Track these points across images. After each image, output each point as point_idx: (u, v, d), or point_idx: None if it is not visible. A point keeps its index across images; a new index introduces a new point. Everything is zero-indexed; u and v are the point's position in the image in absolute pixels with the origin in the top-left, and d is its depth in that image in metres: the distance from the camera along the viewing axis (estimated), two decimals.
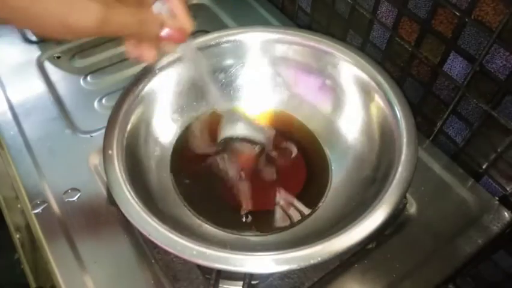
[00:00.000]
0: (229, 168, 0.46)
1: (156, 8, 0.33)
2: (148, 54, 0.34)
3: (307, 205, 0.43)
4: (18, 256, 0.50)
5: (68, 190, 0.46)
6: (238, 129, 0.44)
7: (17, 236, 0.51)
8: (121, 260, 0.42)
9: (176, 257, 0.37)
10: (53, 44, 0.62)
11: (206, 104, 0.49)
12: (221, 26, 0.64)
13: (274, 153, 0.46)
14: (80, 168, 0.48)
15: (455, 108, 0.47)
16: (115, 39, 0.63)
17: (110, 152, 0.37)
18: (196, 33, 0.64)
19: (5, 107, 0.54)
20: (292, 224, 0.41)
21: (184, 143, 0.47)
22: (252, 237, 0.41)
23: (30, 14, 0.28)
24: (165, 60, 0.45)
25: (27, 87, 0.57)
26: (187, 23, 0.34)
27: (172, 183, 0.44)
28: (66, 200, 0.45)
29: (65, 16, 0.28)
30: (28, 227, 0.45)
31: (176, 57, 0.45)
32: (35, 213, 0.45)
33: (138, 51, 0.34)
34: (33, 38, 0.63)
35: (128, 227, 0.43)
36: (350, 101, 0.46)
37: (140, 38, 0.33)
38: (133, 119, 0.41)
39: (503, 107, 0.41)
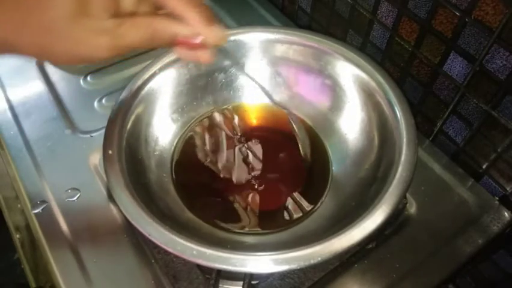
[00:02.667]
0: (229, 168, 0.46)
1: None
2: (203, 55, 0.33)
3: (307, 205, 0.43)
4: (18, 256, 0.50)
5: (68, 190, 0.46)
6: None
7: (17, 236, 0.51)
8: (121, 260, 0.42)
9: (176, 257, 0.37)
10: None
11: (206, 104, 0.49)
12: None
13: (274, 153, 0.46)
14: (80, 168, 0.48)
15: (455, 108, 0.47)
16: None
17: (110, 152, 0.37)
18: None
19: (5, 107, 0.54)
20: (292, 224, 0.41)
21: (184, 143, 0.47)
22: (252, 237, 0.41)
23: (39, 55, 0.30)
24: (165, 60, 0.45)
25: (27, 87, 0.57)
26: (217, 36, 0.32)
27: (172, 183, 0.44)
28: (66, 200, 0.45)
29: (78, 53, 0.29)
30: (28, 227, 0.45)
31: (176, 57, 0.45)
32: (35, 213, 0.45)
33: (192, 55, 0.33)
34: None
35: (128, 227, 0.43)
36: (350, 101, 0.46)
37: (156, 48, 0.32)
38: (133, 119, 0.41)
39: (503, 107, 0.41)
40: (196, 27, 0.31)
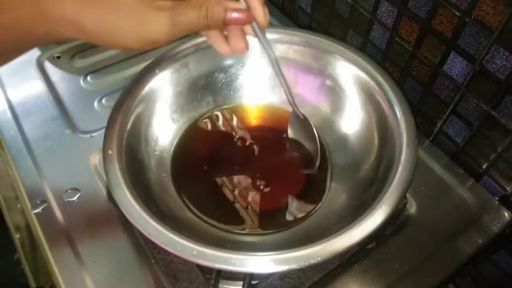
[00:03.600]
0: (229, 168, 0.46)
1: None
2: (237, 44, 0.36)
3: (307, 205, 0.43)
4: (18, 256, 0.50)
5: (68, 190, 0.46)
6: None
7: (17, 236, 0.51)
8: (121, 260, 0.42)
9: (176, 257, 0.37)
10: (53, 44, 0.62)
11: (206, 104, 0.49)
12: None
13: (274, 153, 0.46)
14: (80, 168, 0.48)
15: (455, 108, 0.47)
16: None
17: (110, 152, 0.37)
18: (196, 33, 0.64)
19: (5, 106, 0.54)
20: (292, 224, 0.41)
21: (184, 143, 0.47)
22: (252, 237, 0.41)
23: (105, 35, 0.30)
24: (165, 60, 0.45)
25: (27, 87, 0.57)
26: (262, 17, 0.35)
27: (172, 183, 0.44)
28: (66, 200, 0.45)
29: (139, 31, 0.30)
30: (28, 227, 0.45)
31: (176, 57, 0.45)
32: (35, 213, 0.45)
33: (226, 47, 0.36)
34: None
35: (128, 227, 0.43)
36: (350, 101, 0.46)
37: (210, 29, 0.33)
38: (133, 119, 0.41)
39: (503, 107, 0.41)
40: (251, 2, 0.34)
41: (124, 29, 0.30)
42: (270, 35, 0.47)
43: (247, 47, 0.37)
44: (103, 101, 0.56)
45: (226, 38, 0.37)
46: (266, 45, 0.38)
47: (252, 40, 0.47)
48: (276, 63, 0.39)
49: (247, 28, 0.36)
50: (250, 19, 0.34)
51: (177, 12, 0.30)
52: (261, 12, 0.35)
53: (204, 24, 0.32)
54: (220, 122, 0.49)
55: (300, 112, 0.44)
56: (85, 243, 0.42)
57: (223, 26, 0.33)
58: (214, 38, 0.37)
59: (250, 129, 0.49)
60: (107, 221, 0.44)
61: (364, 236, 0.33)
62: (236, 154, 0.47)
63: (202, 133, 0.48)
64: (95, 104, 0.55)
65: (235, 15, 0.33)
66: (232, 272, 0.37)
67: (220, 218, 0.42)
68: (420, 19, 0.45)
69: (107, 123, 0.40)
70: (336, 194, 0.43)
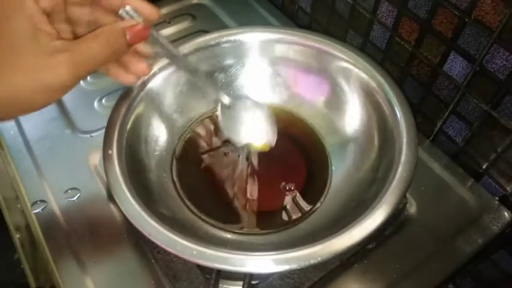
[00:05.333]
0: (229, 168, 0.46)
1: (123, 14, 0.33)
2: (138, 68, 0.35)
3: (306, 205, 0.43)
4: (18, 256, 0.50)
5: (68, 190, 0.46)
6: (242, 133, 0.43)
7: (17, 236, 0.51)
8: (121, 259, 0.42)
9: (176, 257, 0.37)
10: None
11: (206, 104, 0.49)
12: (221, 26, 0.64)
13: (274, 152, 0.46)
14: (80, 168, 0.48)
15: (455, 108, 0.47)
16: None
17: (110, 152, 0.38)
18: (196, 33, 0.64)
19: None
20: (292, 224, 0.41)
21: (184, 143, 0.47)
22: (252, 237, 0.41)
23: (9, 100, 0.28)
24: (165, 60, 0.45)
25: None
26: (151, 11, 0.33)
27: (172, 183, 0.44)
28: (66, 200, 0.45)
29: (40, 79, 0.27)
30: (28, 227, 0.45)
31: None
32: (35, 213, 0.45)
33: (129, 76, 0.35)
34: None
35: (128, 227, 0.43)
36: (350, 101, 0.46)
37: (116, 56, 0.32)
38: (133, 119, 0.41)
39: (503, 107, 0.41)
40: (134, 3, 0.32)
41: (20, 80, 0.27)
42: (270, 35, 0.48)
43: (149, 67, 0.36)
44: (103, 101, 0.56)
45: (125, 67, 0.36)
46: (167, 44, 0.36)
47: (251, 40, 0.48)
48: (179, 59, 0.38)
49: (142, 49, 0.36)
50: (148, 27, 0.33)
51: (76, 49, 0.29)
52: (147, 7, 0.33)
53: (108, 54, 0.30)
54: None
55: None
56: (85, 243, 0.42)
57: (128, 48, 0.32)
58: (114, 71, 0.35)
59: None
60: (107, 221, 0.44)
61: (364, 236, 0.33)
62: (236, 154, 0.47)
63: (202, 133, 0.48)
64: (95, 104, 0.55)
65: (135, 30, 0.32)
66: (232, 272, 0.37)
67: (220, 218, 0.42)
68: (420, 19, 0.45)
69: (107, 123, 0.40)
70: (336, 194, 0.43)
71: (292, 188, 0.44)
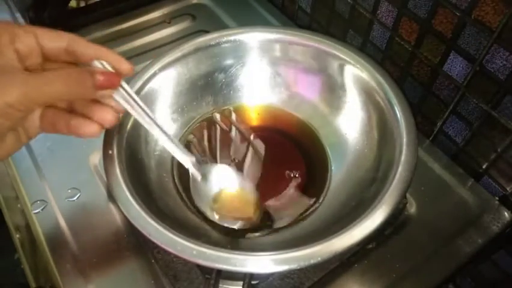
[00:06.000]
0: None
1: (97, 64, 0.32)
2: (104, 117, 0.33)
3: (306, 205, 0.43)
4: (18, 256, 0.50)
5: (68, 190, 0.46)
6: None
7: (17, 236, 0.51)
8: (121, 259, 0.42)
9: (176, 257, 0.37)
10: None
11: (206, 104, 0.49)
12: (221, 26, 0.64)
13: (274, 153, 0.46)
14: (80, 168, 0.48)
15: (455, 108, 0.47)
16: (116, 38, 0.63)
17: (110, 152, 0.37)
18: (196, 33, 0.64)
19: None
20: (292, 224, 0.41)
21: (184, 143, 0.47)
22: (252, 237, 0.41)
23: None
24: (165, 60, 0.45)
25: None
26: (126, 66, 0.33)
27: (172, 183, 0.44)
28: (66, 199, 0.45)
29: None
30: (28, 227, 0.45)
31: (176, 57, 0.45)
32: (35, 213, 0.45)
33: (94, 126, 0.33)
34: None
35: (128, 227, 0.43)
36: (350, 101, 0.46)
37: (79, 97, 0.31)
38: (133, 119, 0.41)
39: (503, 107, 0.41)
40: (104, 55, 0.32)
41: None
42: (270, 35, 0.48)
43: (115, 118, 0.34)
44: None
45: (89, 117, 0.33)
46: (137, 107, 0.34)
47: (252, 40, 0.48)
48: (155, 123, 0.36)
49: (110, 101, 0.34)
50: (120, 75, 0.32)
51: (34, 75, 0.28)
52: (122, 61, 0.32)
53: (67, 86, 0.29)
54: (220, 122, 0.49)
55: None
56: (85, 243, 0.42)
57: (94, 91, 0.31)
58: (77, 122, 0.33)
59: (250, 130, 0.49)
60: (107, 221, 0.44)
61: (364, 236, 0.33)
62: (236, 154, 0.47)
63: (201, 133, 0.48)
64: None
65: (105, 74, 0.31)
66: (232, 272, 0.37)
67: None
68: (420, 19, 0.45)
69: None
70: (336, 194, 0.43)
71: (292, 188, 0.44)
